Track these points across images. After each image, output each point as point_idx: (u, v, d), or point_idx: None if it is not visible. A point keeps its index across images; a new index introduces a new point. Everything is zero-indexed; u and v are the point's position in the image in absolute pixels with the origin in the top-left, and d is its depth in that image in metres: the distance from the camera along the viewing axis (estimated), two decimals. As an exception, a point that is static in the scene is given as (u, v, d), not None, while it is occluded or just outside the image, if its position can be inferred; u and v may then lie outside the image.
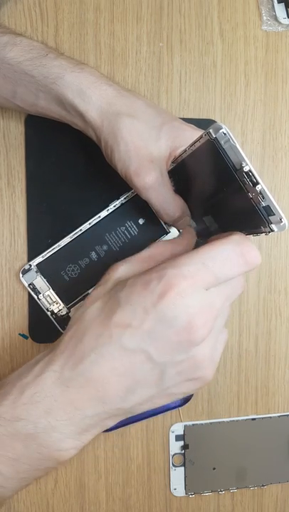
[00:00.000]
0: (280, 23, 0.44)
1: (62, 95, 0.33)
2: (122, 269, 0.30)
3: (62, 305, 0.41)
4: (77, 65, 0.34)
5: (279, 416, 0.48)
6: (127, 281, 0.28)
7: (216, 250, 0.27)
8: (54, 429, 0.27)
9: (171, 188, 0.36)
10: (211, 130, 0.27)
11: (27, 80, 0.34)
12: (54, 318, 0.41)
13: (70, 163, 0.42)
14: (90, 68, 0.35)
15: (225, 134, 0.27)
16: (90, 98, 0.33)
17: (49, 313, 0.41)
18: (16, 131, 0.41)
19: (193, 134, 0.35)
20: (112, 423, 0.29)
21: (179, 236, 0.34)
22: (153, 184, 0.34)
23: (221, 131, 0.27)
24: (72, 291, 0.41)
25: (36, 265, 0.40)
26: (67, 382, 0.27)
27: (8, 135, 0.41)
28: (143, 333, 0.26)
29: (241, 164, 0.27)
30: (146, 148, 0.34)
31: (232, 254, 0.27)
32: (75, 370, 0.27)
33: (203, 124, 0.44)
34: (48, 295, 0.41)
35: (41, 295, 0.41)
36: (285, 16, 0.44)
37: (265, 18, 0.44)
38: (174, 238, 0.33)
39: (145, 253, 0.31)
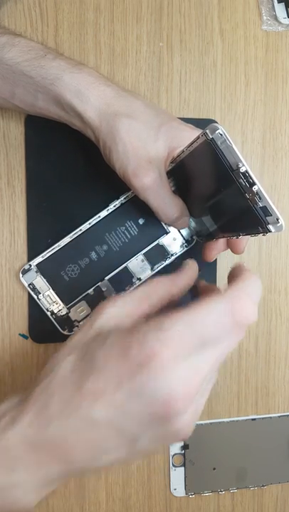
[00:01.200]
0: (280, 22, 0.44)
1: (60, 96, 0.33)
2: (110, 312, 0.27)
3: (62, 305, 0.41)
4: (75, 65, 0.34)
5: (279, 416, 0.48)
6: (108, 338, 0.25)
7: (205, 311, 0.24)
8: (16, 486, 0.25)
9: (169, 189, 0.36)
10: (207, 131, 0.28)
11: (25, 81, 0.34)
12: (54, 318, 0.41)
13: (70, 163, 0.42)
14: (89, 69, 0.34)
15: (221, 134, 0.27)
16: (88, 99, 0.33)
17: (49, 313, 0.41)
18: (15, 131, 0.41)
19: (192, 134, 0.34)
20: (79, 476, 0.28)
21: (179, 271, 0.31)
22: (151, 185, 0.34)
23: (217, 131, 0.27)
24: (72, 291, 0.41)
25: (36, 265, 0.40)
26: (33, 443, 0.24)
27: (8, 135, 0.41)
28: (115, 406, 0.23)
29: (238, 165, 0.27)
30: (144, 148, 0.34)
31: (223, 316, 0.24)
32: (40, 433, 0.24)
33: (203, 123, 0.44)
34: (48, 295, 0.41)
35: (41, 295, 0.41)
36: (285, 15, 0.44)
37: (265, 17, 0.44)
38: (174, 274, 0.30)
39: (139, 292, 0.28)
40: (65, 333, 0.41)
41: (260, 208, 0.28)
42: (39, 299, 0.41)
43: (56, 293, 0.41)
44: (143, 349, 0.23)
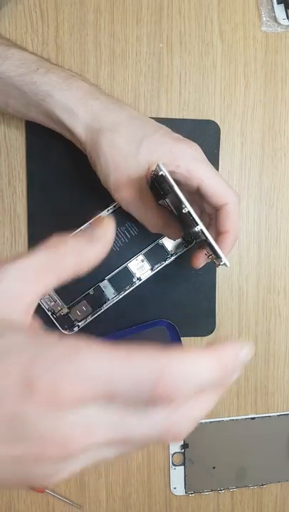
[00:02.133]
0: (279, 24, 0.45)
1: (51, 111, 0.35)
2: None
3: (62, 304, 0.41)
4: (66, 79, 0.35)
5: (278, 415, 0.48)
6: (3, 335, 0.18)
7: (139, 363, 0.17)
8: None
9: (151, 201, 0.36)
10: (156, 167, 0.28)
11: (18, 94, 0.35)
12: (54, 318, 0.41)
13: (70, 164, 0.42)
14: (79, 82, 0.35)
15: (163, 176, 0.28)
16: (76, 115, 0.34)
17: (50, 312, 0.41)
18: (16, 132, 0.41)
19: (173, 147, 0.35)
20: None
21: (90, 233, 0.25)
22: (131, 199, 0.35)
23: (160, 173, 0.28)
24: (73, 291, 0.42)
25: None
26: None
27: (9, 136, 0.41)
28: None
29: (181, 206, 0.28)
30: (125, 163, 0.34)
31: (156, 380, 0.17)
32: None
33: (203, 124, 0.44)
34: (49, 295, 0.41)
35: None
36: (285, 16, 0.44)
37: (264, 19, 0.45)
38: (83, 237, 0.24)
39: (36, 263, 0.22)
40: (66, 332, 0.41)
41: (208, 243, 0.28)
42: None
43: (56, 292, 0.41)
44: (47, 375, 0.17)
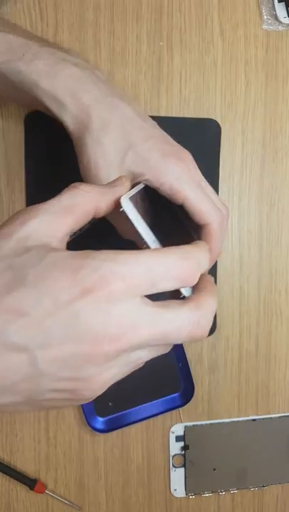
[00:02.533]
0: (280, 22, 0.44)
1: (40, 100, 0.33)
2: (32, 225, 0.23)
3: None
4: (55, 65, 0.32)
5: (279, 417, 0.48)
6: (45, 257, 0.21)
7: (167, 258, 0.23)
8: None
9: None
10: (121, 200, 0.28)
11: (6, 81, 0.33)
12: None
13: (69, 163, 0.42)
14: (70, 69, 0.33)
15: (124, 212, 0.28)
16: (64, 106, 0.33)
17: None
18: (15, 131, 0.41)
19: (159, 163, 0.32)
20: None
21: (111, 183, 0.29)
22: None
23: (121, 210, 0.28)
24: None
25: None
26: None
27: (8, 134, 0.41)
28: (39, 330, 0.20)
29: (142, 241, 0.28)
30: (107, 170, 0.33)
31: (181, 268, 0.23)
32: None
33: (204, 123, 0.44)
34: None
35: None
36: (286, 15, 0.44)
37: (265, 17, 0.44)
38: (101, 187, 0.28)
39: (60, 204, 0.25)
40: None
41: None
42: None
43: None
44: (95, 274, 0.21)
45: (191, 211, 0.33)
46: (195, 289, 0.26)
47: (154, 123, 0.35)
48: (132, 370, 0.26)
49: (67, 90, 0.32)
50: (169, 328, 0.23)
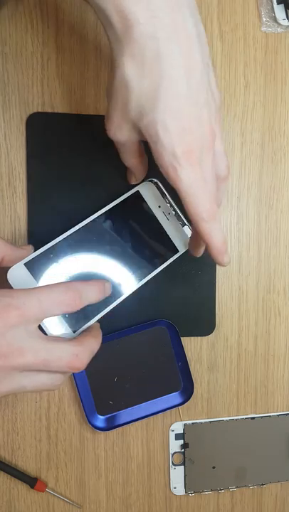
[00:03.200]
0: (279, 24, 0.45)
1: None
2: None
3: None
4: None
5: (278, 415, 0.48)
6: None
7: (53, 291, 0.30)
8: None
9: (137, 151, 0.35)
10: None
11: None
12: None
13: (70, 164, 0.42)
14: None
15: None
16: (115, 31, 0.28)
17: None
18: (17, 132, 0.41)
19: (169, 157, 0.30)
20: None
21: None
22: (124, 140, 0.33)
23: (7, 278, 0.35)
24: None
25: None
26: None
27: (10, 136, 0.41)
28: None
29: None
30: (129, 106, 0.30)
31: (64, 296, 0.30)
32: None
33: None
34: None
35: None
36: (285, 17, 0.44)
37: (264, 19, 0.45)
38: (14, 247, 0.36)
39: None
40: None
41: None
42: None
43: None
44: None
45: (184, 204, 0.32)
46: (83, 332, 0.35)
47: (206, 99, 0.30)
48: (26, 391, 0.31)
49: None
50: (50, 357, 0.30)
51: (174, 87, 0.29)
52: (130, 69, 0.28)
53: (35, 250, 0.41)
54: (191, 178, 0.30)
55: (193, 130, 0.30)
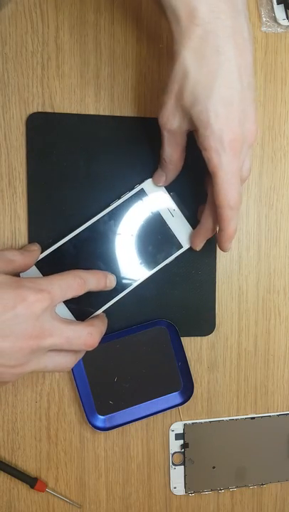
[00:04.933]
0: (279, 24, 0.45)
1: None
2: None
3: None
4: None
5: (278, 415, 0.48)
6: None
7: (65, 278, 0.35)
8: None
9: (183, 142, 0.37)
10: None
11: None
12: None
13: (71, 164, 0.42)
14: None
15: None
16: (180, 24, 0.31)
17: None
18: (17, 132, 0.41)
19: (215, 142, 0.32)
20: None
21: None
22: (172, 129, 0.35)
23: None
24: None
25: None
26: None
27: (10, 136, 0.41)
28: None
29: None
30: (185, 93, 0.32)
31: (73, 282, 0.35)
32: None
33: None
34: None
35: None
36: (285, 17, 0.45)
37: (264, 19, 0.45)
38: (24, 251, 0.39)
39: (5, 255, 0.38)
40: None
41: None
42: None
43: None
44: (27, 291, 0.33)
45: (214, 189, 0.35)
46: (90, 317, 0.40)
47: (248, 94, 0.33)
48: (46, 370, 0.35)
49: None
50: (72, 336, 0.35)
51: (228, 79, 0.32)
52: (191, 59, 0.32)
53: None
54: (230, 166, 0.33)
55: (241, 122, 0.33)
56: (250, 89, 0.33)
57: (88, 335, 0.36)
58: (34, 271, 0.40)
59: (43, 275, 0.41)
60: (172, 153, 0.38)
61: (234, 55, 0.31)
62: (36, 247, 0.40)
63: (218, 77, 0.31)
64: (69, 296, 0.35)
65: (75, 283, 0.35)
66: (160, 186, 0.41)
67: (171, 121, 0.35)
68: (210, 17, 0.31)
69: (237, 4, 0.32)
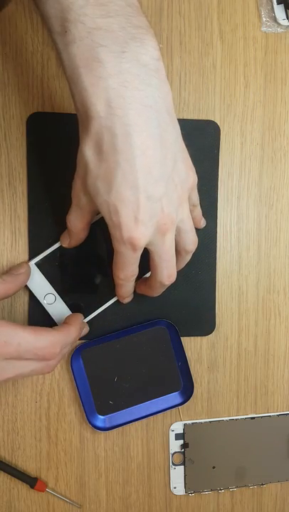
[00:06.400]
0: (279, 24, 0.45)
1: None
2: None
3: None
4: (90, 69, 0.28)
5: (278, 415, 0.48)
6: None
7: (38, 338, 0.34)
8: None
9: (89, 219, 0.37)
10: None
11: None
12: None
13: (71, 164, 0.42)
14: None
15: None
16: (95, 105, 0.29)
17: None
18: (17, 132, 0.41)
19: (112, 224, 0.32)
20: None
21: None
22: (81, 205, 0.35)
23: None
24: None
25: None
26: None
27: (10, 136, 0.41)
28: None
29: None
30: (88, 181, 0.32)
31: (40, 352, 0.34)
32: None
33: (203, 125, 0.44)
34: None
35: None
36: (285, 17, 0.45)
37: (264, 19, 0.45)
38: (12, 274, 0.39)
39: None
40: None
41: None
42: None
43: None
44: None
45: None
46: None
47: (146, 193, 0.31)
48: (16, 376, 0.34)
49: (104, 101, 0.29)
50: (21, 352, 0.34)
51: (128, 179, 0.30)
52: (90, 153, 0.30)
53: (35, 251, 0.42)
54: (129, 257, 0.33)
55: (145, 221, 0.31)
56: (161, 183, 0.31)
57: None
58: (35, 270, 0.40)
59: (43, 275, 0.41)
60: (76, 223, 0.37)
61: (135, 153, 0.29)
62: (24, 269, 0.39)
63: (116, 176, 0.30)
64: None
65: (42, 365, 0.35)
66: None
67: (79, 199, 0.34)
68: (105, 111, 0.28)
69: (152, 96, 0.29)
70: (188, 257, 0.39)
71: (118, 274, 0.36)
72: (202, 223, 0.44)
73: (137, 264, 0.35)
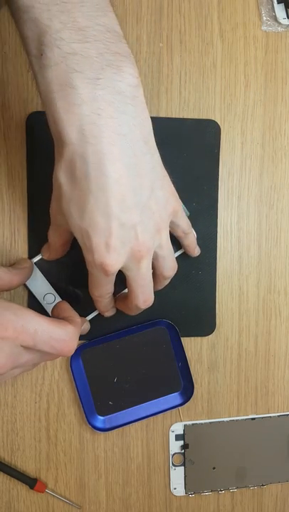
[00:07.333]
0: (279, 23, 0.44)
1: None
2: None
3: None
4: (62, 88, 0.28)
5: (279, 416, 0.48)
6: None
7: (53, 328, 0.32)
8: None
9: (67, 238, 0.38)
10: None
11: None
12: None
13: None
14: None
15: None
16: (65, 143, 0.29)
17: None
18: (16, 132, 0.41)
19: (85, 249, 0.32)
20: None
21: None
22: (53, 219, 0.36)
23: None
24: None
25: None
26: None
27: (9, 135, 0.41)
28: None
29: None
30: (62, 204, 0.31)
31: (58, 339, 0.32)
32: None
33: (203, 124, 0.44)
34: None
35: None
36: (285, 16, 0.44)
37: (264, 18, 0.45)
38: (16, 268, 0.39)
39: None
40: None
41: None
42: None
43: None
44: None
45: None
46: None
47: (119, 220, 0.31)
48: (24, 366, 0.34)
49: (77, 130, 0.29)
50: (20, 363, 0.33)
51: (100, 206, 0.29)
52: (63, 176, 0.30)
53: (34, 251, 0.42)
54: (102, 284, 0.34)
55: (117, 248, 0.31)
56: (135, 211, 0.31)
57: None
58: (34, 270, 0.40)
59: (44, 275, 0.41)
60: (55, 240, 0.38)
61: (108, 182, 0.29)
62: (28, 264, 0.39)
63: (89, 202, 0.29)
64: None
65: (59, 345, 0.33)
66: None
67: (56, 218, 0.34)
68: (78, 138, 0.28)
69: (126, 125, 0.29)
70: (167, 282, 0.39)
71: (93, 292, 0.36)
72: (196, 251, 0.43)
73: (112, 283, 0.35)
